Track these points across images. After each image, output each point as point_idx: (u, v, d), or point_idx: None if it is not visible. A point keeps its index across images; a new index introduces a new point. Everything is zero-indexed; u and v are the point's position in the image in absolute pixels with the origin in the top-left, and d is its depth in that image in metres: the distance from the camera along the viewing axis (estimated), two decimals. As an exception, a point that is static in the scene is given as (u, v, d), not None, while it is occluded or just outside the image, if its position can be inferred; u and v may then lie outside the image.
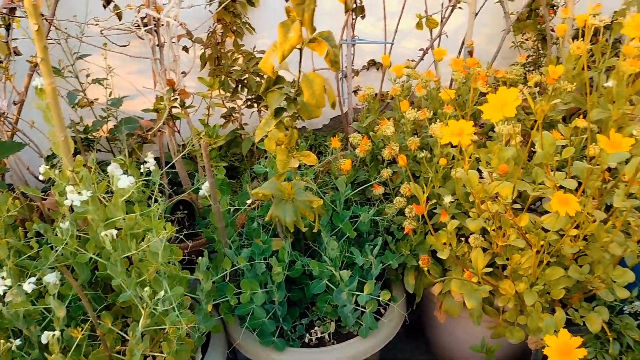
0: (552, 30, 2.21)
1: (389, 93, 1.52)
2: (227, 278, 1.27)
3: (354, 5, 1.99)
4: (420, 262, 1.23)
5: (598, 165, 1.06)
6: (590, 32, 1.48)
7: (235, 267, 1.27)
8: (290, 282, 1.36)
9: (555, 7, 2.29)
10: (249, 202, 1.37)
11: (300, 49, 1.09)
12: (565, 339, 0.89)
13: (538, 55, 2.31)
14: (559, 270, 1.13)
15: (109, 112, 1.85)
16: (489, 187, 1.06)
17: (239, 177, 2.01)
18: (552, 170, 1.13)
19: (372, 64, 2.39)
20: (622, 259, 1.24)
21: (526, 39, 2.42)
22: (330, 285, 1.30)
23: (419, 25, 1.74)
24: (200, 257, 1.15)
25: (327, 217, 1.37)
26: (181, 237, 1.29)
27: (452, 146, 1.23)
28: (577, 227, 1.13)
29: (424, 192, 1.20)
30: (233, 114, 2.06)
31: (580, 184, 1.17)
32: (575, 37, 2.66)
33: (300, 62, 1.10)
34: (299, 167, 1.53)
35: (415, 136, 1.40)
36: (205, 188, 1.37)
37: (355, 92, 2.24)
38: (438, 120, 1.36)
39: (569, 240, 1.10)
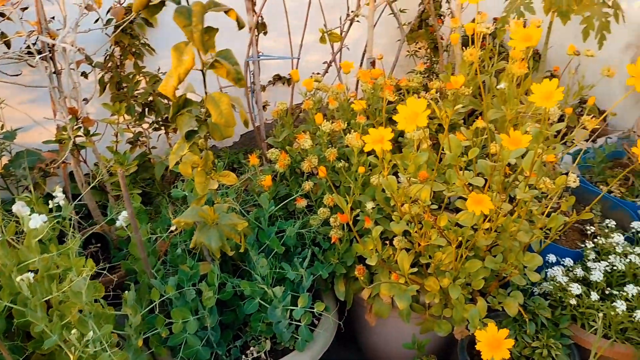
0: (442, 38, 2.37)
1: (302, 107, 1.55)
2: (157, 309, 1.22)
3: (257, 22, 2.01)
4: (356, 272, 1.26)
5: (499, 162, 1.16)
6: (479, 39, 1.60)
7: (163, 297, 1.23)
8: (221, 305, 1.34)
9: (442, 17, 2.46)
10: (172, 228, 1.33)
11: (202, 71, 1.09)
12: (494, 332, 0.96)
13: (431, 63, 2.46)
14: (477, 263, 1.21)
15: (2, 146, 1.71)
16: (409, 190, 1.11)
17: (153, 203, 1.94)
18: (460, 170, 1.21)
19: (278, 78, 2.42)
20: (530, 246, 1.35)
21: (419, 48, 2.57)
22: (263, 303, 1.29)
23: (322, 40, 1.79)
24: (126, 292, 1.10)
25: (253, 235, 1.37)
26: (104, 272, 1.23)
27: (368, 154, 1.29)
28: (489, 221, 1.22)
29: (347, 202, 1.23)
30: (140, 139, 1.98)
31: (486, 180, 1.27)
32: (464, 44, 2.85)
33: (204, 83, 1.10)
34: (219, 187, 1.51)
35: (332, 147, 1.44)
36: (122, 218, 1.31)
37: (263, 107, 2.25)
38: (352, 130, 1.41)
39: (483, 233, 1.19)
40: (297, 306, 1.28)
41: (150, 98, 1.86)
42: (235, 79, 1.11)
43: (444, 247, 1.20)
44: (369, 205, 1.30)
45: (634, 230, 1.61)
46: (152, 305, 1.22)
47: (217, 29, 1.13)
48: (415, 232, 1.16)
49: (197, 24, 0.94)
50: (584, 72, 1.88)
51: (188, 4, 0.99)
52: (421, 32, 2.40)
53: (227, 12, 1.17)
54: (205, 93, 1.12)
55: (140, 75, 1.92)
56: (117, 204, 1.56)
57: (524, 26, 1.49)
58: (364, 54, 2.11)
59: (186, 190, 1.42)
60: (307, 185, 1.42)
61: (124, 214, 1.30)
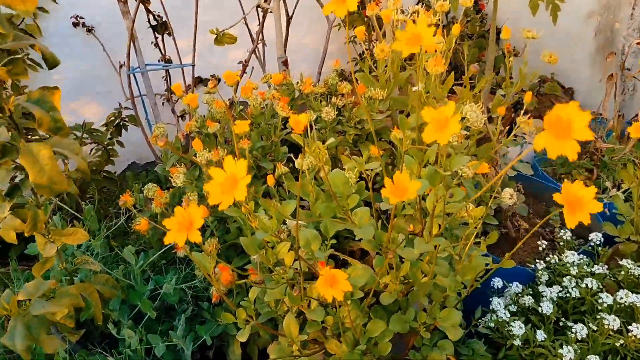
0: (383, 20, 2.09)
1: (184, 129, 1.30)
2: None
3: (155, 23, 1.74)
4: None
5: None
6: (394, 28, 1.34)
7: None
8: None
9: (381, -3, 2.17)
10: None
11: (11, 116, 0.87)
12: None
13: (372, 50, 2.18)
14: (379, 324, 0.96)
15: None
16: (276, 250, 0.87)
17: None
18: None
19: (199, 81, 2.15)
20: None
21: (359, 33, 2.28)
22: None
23: (217, 41, 1.52)
24: None
25: (118, 298, 1.12)
26: None
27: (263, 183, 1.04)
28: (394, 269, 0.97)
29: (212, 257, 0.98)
30: None
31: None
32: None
33: (17, 127, 0.88)
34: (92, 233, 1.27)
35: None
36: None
37: (181, 117, 1.99)
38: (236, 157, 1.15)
39: (385, 288, 0.94)
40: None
41: None
42: (53, 129, 0.88)
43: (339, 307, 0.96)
44: (255, 255, 1.05)
45: (591, 244, 1.37)
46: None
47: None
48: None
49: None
50: (541, 48, 1.62)
51: None
52: (356, 16, 2.12)
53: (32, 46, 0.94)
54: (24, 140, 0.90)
55: None
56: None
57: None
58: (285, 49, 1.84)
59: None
60: (187, 229, 1.17)
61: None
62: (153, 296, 1.16)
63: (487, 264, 0.96)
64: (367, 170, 1.06)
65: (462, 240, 0.98)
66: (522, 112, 1.23)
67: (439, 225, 0.93)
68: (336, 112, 1.31)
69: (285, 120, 1.30)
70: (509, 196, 1.16)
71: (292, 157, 1.21)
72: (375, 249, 0.97)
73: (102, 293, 1.08)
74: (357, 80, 1.48)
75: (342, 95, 1.42)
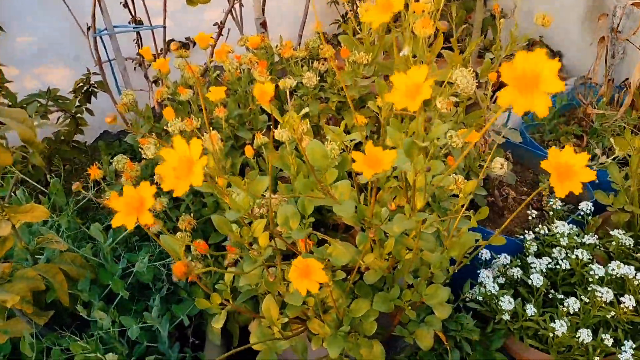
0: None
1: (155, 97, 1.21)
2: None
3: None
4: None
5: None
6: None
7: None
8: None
9: (366, -47, 2.06)
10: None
11: None
12: None
13: (354, 12, 2.08)
14: (364, 304, 0.92)
15: None
16: (252, 228, 0.81)
17: None
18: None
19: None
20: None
21: (342, -7, 2.18)
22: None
23: (190, 1, 1.42)
24: None
25: (87, 279, 1.06)
26: None
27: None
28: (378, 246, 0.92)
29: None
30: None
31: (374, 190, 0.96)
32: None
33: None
34: (54, 210, 1.20)
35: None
36: None
37: (155, 82, 1.89)
38: (212, 128, 1.08)
39: (366, 267, 0.89)
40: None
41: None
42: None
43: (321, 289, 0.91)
44: (234, 227, 0.99)
45: (581, 213, 1.33)
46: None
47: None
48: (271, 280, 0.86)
49: None
50: (529, 10, 1.54)
51: None
52: (339, -24, 2.02)
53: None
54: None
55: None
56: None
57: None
58: (263, 10, 1.73)
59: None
60: (160, 203, 1.10)
61: None
62: (125, 275, 1.09)
63: (476, 240, 0.91)
64: (347, 141, 0.99)
65: (451, 215, 0.92)
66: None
67: (428, 200, 0.88)
68: (318, 78, 1.24)
69: (264, 86, 1.22)
70: (499, 166, 1.11)
71: (272, 126, 1.13)
72: (359, 223, 0.92)
73: (68, 273, 1.01)
74: (339, 43, 1.39)
75: (325, 59, 1.34)
